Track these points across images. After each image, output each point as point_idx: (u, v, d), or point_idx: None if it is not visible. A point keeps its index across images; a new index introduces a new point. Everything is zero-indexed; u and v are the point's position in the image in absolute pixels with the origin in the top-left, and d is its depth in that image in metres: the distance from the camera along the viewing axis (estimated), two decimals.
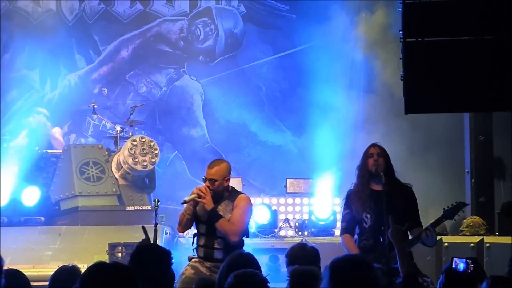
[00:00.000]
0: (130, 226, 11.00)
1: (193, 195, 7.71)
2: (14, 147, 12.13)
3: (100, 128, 15.22)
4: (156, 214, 9.15)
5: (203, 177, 7.81)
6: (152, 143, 11.69)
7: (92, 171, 11.88)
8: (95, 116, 13.60)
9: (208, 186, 7.69)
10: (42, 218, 11.29)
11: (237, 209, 7.71)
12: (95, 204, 11.69)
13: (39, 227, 11.07)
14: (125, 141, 11.92)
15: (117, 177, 11.92)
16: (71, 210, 11.62)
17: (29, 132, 12.54)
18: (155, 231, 9.00)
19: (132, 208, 11.64)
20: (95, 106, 12.79)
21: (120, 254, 9.67)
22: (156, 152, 11.70)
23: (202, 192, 7.65)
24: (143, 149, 11.61)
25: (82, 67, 15.87)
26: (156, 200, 9.21)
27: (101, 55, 15.92)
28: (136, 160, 11.55)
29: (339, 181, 12.16)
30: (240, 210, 7.71)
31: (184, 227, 7.93)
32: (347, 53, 14.67)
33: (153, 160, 11.67)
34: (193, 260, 7.81)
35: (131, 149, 11.55)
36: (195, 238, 7.92)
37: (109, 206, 11.76)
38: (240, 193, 7.97)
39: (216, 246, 7.70)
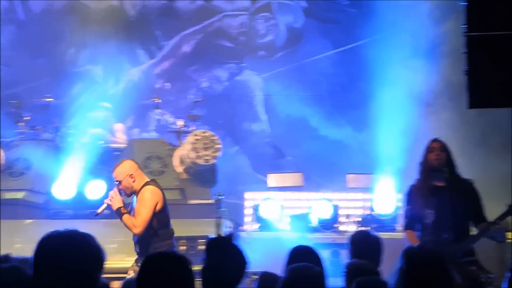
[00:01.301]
0: (192, 219, 11.11)
1: (103, 206, 8.10)
2: (79, 141, 12.34)
3: (162, 123, 15.39)
4: (219, 208, 9.22)
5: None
6: (214, 138, 11.77)
7: (155, 165, 12.01)
8: (157, 110, 13.75)
9: (117, 188, 7.99)
10: (108, 211, 11.43)
11: (137, 202, 7.97)
12: None
13: (104, 220, 11.21)
14: (187, 136, 12.03)
15: (179, 171, 12.03)
16: None
17: (93, 127, 12.73)
18: (218, 225, 9.09)
19: (194, 202, 11.74)
20: (158, 101, 12.92)
21: (183, 248, 9.76)
22: (218, 146, 11.77)
23: (111, 197, 7.96)
24: (205, 143, 11.69)
25: (144, 62, 16.07)
26: (219, 194, 9.29)
27: (163, 50, 16.09)
28: (199, 154, 11.64)
29: (401, 176, 12.11)
30: (139, 203, 7.94)
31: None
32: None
33: (215, 154, 11.75)
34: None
35: (193, 143, 11.64)
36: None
37: (171, 200, 11.78)
38: (144, 185, 8.07)
39: (134, 241, 8.05)
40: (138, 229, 7.84)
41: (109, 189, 11.41)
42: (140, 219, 7.85)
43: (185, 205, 11.76)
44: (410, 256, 4.21)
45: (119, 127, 13.33)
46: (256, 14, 16.02)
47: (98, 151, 12.05)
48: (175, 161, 12.10)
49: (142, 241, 7.88)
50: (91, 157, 11.93)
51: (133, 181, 7.94)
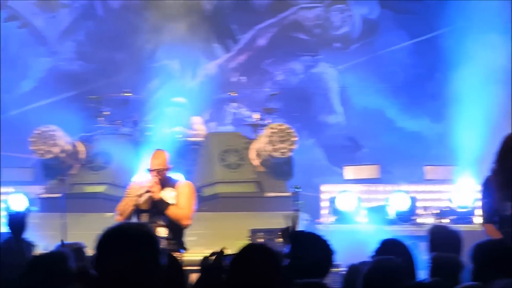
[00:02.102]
0: (269, 212, 11.17)
1: (147, 194, 7.83)
2: (157, 135, 12.50)
3: (238, 116, 15.47)
4: (296, 201, 9.24)
5: (148, 168, 7.92)
6: (290, 131, 11.79)
7: (232, 159, 12.11)
8: (234, 104, 13.84)
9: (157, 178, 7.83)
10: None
11: (181, 195, 7.86)
12: (235, 190, 11.92)
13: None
14: (263, 129, 12.07)
15: (256, 164, 12.10)
16: (212, 197, 11.88)
17: (171, 121, 12.89)
18: (295, 217, 9.09)
19: (270, 194, 11.80)
20: (234, 94, 12.99)
21: (260, 240, 9.81)
22: (294, 139, 11.79)
23: (152, 185, 7.79)
24: (281, 136, 11.72)
25: (221, 56, 16.19)
26: (296, 186, 9.30)
27: (238, 44, 16.18)
28: (275, 147, 11.68)
29: (480, 168, 11.94)
30: (184, 196, 7.87)
31: (126, 217, 7.94)
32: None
33: (291, 147, 11.76)
34: None
35: (269, 136, 11.68)
36: None
37: (248, 193, 11.95)
38: (178, 179, 8.11)
39: (160, 235, 7.75)
40: (189, 221, 7.85)
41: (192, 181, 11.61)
42: (189, 211, 7.87)
43: (262, 198, 11.83)
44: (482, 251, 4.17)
45: (196, 120, 13.45)
46: (331, 6, 15.98)
47: (176, 144, 12.17)
48: (252, 154, 12.16)
49: (177, 232, 7.85)
50: (169, 151, 12.06)
51: (168, 173, 7.97)
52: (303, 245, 4.86)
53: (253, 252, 3.97)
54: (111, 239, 3.40)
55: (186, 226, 7.86)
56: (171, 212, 7.81)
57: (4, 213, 12.91)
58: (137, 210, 7.93)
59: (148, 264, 3.35)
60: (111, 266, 3.33)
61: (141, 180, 8.05)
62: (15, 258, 4.85)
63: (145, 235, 3.41)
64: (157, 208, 7.85)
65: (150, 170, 7.88)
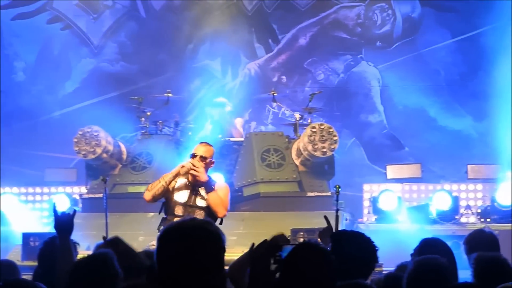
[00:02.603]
0: (310, 212, 11.17)
1: (188, 164, 7.87)
2: (198, 136, 12.56)
3: (279, 116, 15.50)
4: (337, 200, 9.22)
5: (193, 153, 7.97)
6: (331, 130, 11.75)
7: (273, 158, 12.11)
8: (274, 104, 13.85)
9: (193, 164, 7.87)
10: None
11: (221, 190, 7.98)
12: (276, 190, 11.92)
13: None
14: (304, 128, 12.06)
15: (297, 163, 12.09)
16: (253, 196, 11.90)
17: (212, 121, 12.94)
18: (337, 217, 9.09)
19: (312, 194, 11.79)
20: (275, 94, 13.00)
21: (302, 240, 9.81)
22: (335, 138, 11.74)
23: (197, 167, 7.82)
24: (322, 135, 11.68)
25: (262, 55, 16.22)
26: (337, 186, 9.28)
27: (279, 43, 16.20)
28: (316, 146, 11.65)
29: None
30: (224, 190, 8.03)
31: (154, 195, 7.98)
32: None
33: (332, 146, 11.72)
34: None
35: (310, 136, 11.65)
36: (164, 222, 7.97)
37: (289, 192, 11.95)
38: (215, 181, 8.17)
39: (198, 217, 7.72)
40: (225, 212, 7.94)
41: (228, 181, 11.65)
42: (227, 203, 8.00)
43: (303, 198, 11.81)
44: None
45: (238, 121, 13.47)
46: (372, 5, 15.93)
47: (217, 144, 12.20)
48: (293, 154, 12.16)
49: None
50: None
51: (210, 167, 8.06)
52: (347, 245, 4.86)
53: (308, 251, 3.97)
54: (174, 235, 3.40)
55: (222, 217, 7.87)
56: (213, 196, 7.88)
57: (49, 213, 13.11)
58: (173, 203, 7.95)
59: (211, 262, 3.36)
60: (173, 262, 3.34)
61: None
62: (63, 259, 4.90)
63: (210, 232, 3.41)
64: (199, 187, 7.90)
65: (194, 155, 7.94)
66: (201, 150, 7.98)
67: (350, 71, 15.88)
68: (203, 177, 7.86)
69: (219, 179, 11.22)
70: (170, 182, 7.93)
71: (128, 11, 16.64)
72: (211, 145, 8.19)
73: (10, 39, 16.66)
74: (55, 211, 5.20)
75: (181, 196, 7.94)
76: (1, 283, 4.41)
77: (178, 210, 7.90)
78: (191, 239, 3.36)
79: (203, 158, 7.92)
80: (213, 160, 8.10)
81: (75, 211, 5.27)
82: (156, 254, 3.40)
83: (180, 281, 3.32)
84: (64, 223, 5.14)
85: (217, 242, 3.39)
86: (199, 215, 7.78)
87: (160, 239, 3.42)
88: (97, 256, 4.55)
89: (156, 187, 7.95)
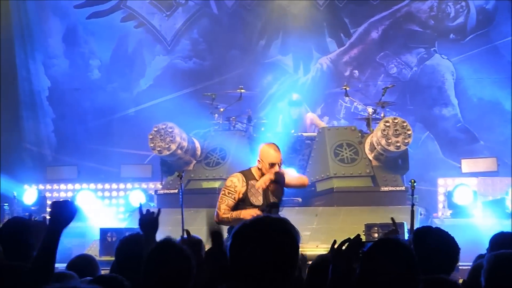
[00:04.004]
0: (384, 206, 11.12)
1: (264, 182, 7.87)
2: (271, 131, 12.61)
3: (352, 110, 15.46)
4: (412, 195, 9.17)
5: (272, 162, 7.89)
6: (404, 124, 11.65)
7: (346, 153, 12.08)
8: (347, 98, 13.81)
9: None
10: (300, 199, 11.63)
11: (288, 173, 8.35)
12: (350, 185, 11.88)
13: (297, 207, 11.42)
14: (377, 123, 11.99)
15: (370, 158, 12.02)
16: (327, 191, 11.88)
17: (285, 116, 12.97)
18: (412, 212, 9.05)
19: (386, 189, 11.71)
20: (347, 89, 12.96)
21: (376, 235, 9.78)
22: (409, 132, 11.64)
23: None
24: (396, 130, 11.59)
25: (333, 50, 16.19)
26: (412, 180, 9.22)
27: (351, 37, 16.15)
28: (389, 141, 11.56)
29: None
30: (290, 172, 8.55)
31: (223, 224, 7.92)
32: None
33: (406, 141, 11.62)
34: None
35: (384, 130, 11.57)
36: (239, 206, 7.96)
37: (363, 187, 11.89)
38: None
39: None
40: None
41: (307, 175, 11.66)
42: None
43: (377, 192, 11.75)
44: None
45: (311, 115, 13.47)
46: None
47: (290, 140, 12.24)
48: (366, 148, 12.10)
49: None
50: (283, 146, 12.13)
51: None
52: (430, 241, 4.84)
53: (389, 246, 3.96)
54: (249, 231, 3.41)
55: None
56: (291, 179, 8.21)
57: (126, 208, 13.34)
58: (249, 206, 7.94)
59: (285, 259, 3.36)
60: (246, 258, 3.34)
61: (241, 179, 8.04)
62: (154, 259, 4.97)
63: (285, 229, 3.41)
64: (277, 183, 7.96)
65: (273, 164, 7.91)
66: (279, 158, 7.97)
67: (423, 64, 15.74)
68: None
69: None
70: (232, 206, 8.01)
71: (200, 8, 16.78)
72: (276, 145, 8.16)
73: (86, 38, 16.97)
74: (140, 210, 5.29)
75: (257, 200, 7.94)
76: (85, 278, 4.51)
77: None
78: (266, 235, 3.36)
79: (279, 165, 7.97)
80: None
81: (159, 211, 5.35)
82: (230, 250, 3.42)
83: (252, 278, 3.33)
84: (149, 222, 5.23)
85: (292, 240, 3.39)
86: (275, 211, 7.80)
87: (235, 235, 3.43)
88: (172, 246, 4.59)
89: (228, 219, 7.92)
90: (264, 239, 3.35)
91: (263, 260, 3.32)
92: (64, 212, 4.11)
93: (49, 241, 4.08)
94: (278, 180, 7.95)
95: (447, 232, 4.95)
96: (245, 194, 7.95)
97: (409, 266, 3.80)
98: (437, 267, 4.66)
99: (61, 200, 4.19)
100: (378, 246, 3.91)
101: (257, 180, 7.95)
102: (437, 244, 4.84)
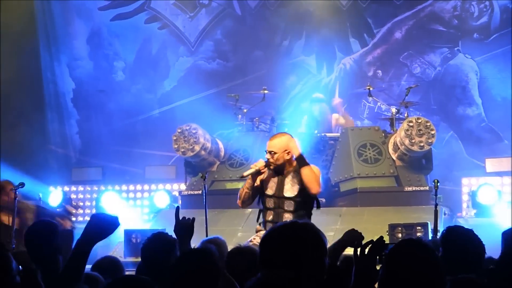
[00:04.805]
0: (408, 206, 11.11)
1: (252, 169, 7.57)
2: (294, 131, 12.62)
3: (375, 110, 15.44)
4: (435, 195, 9.16)
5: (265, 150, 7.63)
6: (428, 124, 11.64)
7: (370, 153, 12.08)
8: (370, 98, 13.81)
9: (268, 159, 7.52)
10: (323, 200, 11.62)
11: (311, 171, 7.48)
12: (373, 185, 11.87)
13: (322, 208, 11.39)
14: (401, 123, 11.99)
15: (394, 158, 12.02)
16: (350, 192, 11.89)
17: (309, 117, 12.98)
18: (436, 211, 9.05)
19: (409, 189, 11.70)
20: (371, 89, 12.96)
21: (400, 235, 9.78)
22: (433, 132, 11.63)
23: (266, 163, 7.52)
24: (420, 130, 11.59)
25: (357, 50, 16.18)
26: (436, 181, 9.22)
27: (375, 37, 16.13)
28: (413, 141, 11.56)
29: None
30: (316, 169, 7.57)
31: (243, 202, 7.74)
32: None
33: (429, 140, 11.62)
34: (260, 231, 7.66)
35: (407, 130, 11.57)
36: (261, 214, 7.73)
37: (387, 187, 11.88)
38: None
39: (287, 208, 7.52)
40: (319, 188, 7.47)
41: (324, 177, 11.67)
42: (320, 180, 7.55)
43: (401, 192, 11.74)
44: None
45: (336, 116, 13.48)
46: None
47: (314, 140, 12.25)
48: (390, 148, 12.10)
49: (298, 210, 7.56)
50: (307, 147, 12.15)
51: (288, 158, 7.57)
52: (455, 241, 4.85)
53: (412, 247, 3.97)
54: (276, 239, 3.48)
55: (315, 193, 7.50)
56: (306, 171, 7.48)
57: (150, 209, 13.40)
58: (261, 195, 7.74)
59: (313, 265, 3.43)
60: (275, 264, 3.41)
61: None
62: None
63: (311, 234, 3.48)
64: (285, 173, 7.60)
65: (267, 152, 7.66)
66: (269, 145, 7.62)
67: (447, 64, 15.69)
68: (280, 160, 7.55)
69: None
70: (251, 186, 7.68)
71: (224, 9, 16.83)
72: (284, 135, 7.79)
73: (110, 39, 17.08)
74: (177, 216, 5.35)
75: (269, 189, 7.67)
76: (110, 279, 4.53)
77: (269, 203, 7.66)
78: (293, 242, 3.43)
79: (271, 154, 7.54)
80: (288, 151, 7.56)
81: (194, 218, 5.40)
82: (260, 256, 3.49)
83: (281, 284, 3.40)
84: (185, 228, 5.29)
85: (319, 244, 3.45)
86: (289, 205, 7.53)
87: (264, 240, 3.50)
88: (201, 250, 4.64)
89: (242, 194, 7.74)
90: (290, 244, 3.42)
91: (291, 264, 3.40)
92: (103, 226, 3.99)
93: (80, 251, 4.00)
94: (277, 170, 7.62)
95: (473, 232, 4.96)
96: (263, 181, 7.71)
97: (432, 267, 3.80)
98: (464, 267, 4.67)
99: (103, 213, 4.06)
100: (401, 247, 3.92)
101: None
102: (464, 244, 4.86)
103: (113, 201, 13.00)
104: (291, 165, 7.61)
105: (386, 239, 9.35)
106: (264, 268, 3.46)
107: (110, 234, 4.01)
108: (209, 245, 4.77)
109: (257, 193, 7.72)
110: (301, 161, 7.53)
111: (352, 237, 5.57)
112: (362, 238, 5.78)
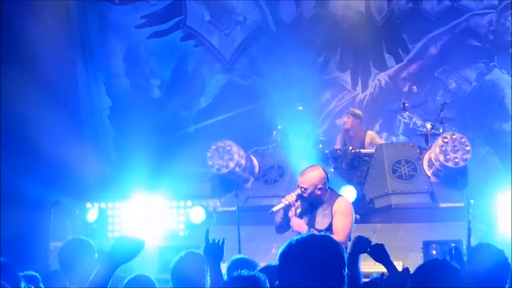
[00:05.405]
0: (443, 223, 11.05)
1: (281, 204, 7.62)
2: (330, 148, 12.64)
3: (410, 126, 15.39)
4: (469, 212, 9.12)
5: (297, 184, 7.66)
6: (463, 140, 11.61)
7: (404, 169, 12.05)
8: (405, 114, 13.77)
9: (299, 194, 7.58)
10: (358, 216, 11.60)
11: (338, 216, 7.50)
12: (408, 201, 11.84)
13: (355, 224, 11.38)
14: (436, 138, 11.96)
15: (429, 174, 11.98)
16: (385, 208, 11.86)
17: (343, 133, 12.99)
18: (469, 229, 9.00)
19: (444, 205, 11.64)
20: (406, 104, 12.94)
21: (434, 252, 9.73)
22: (468, 148, 11.59)
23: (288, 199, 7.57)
24: (454, 145, 11.55)
25: (392, 66, 16.15)
26: (470, 197, 9.18)
27: (409, 53, 16.10)
28: (448, 157, 11.53)
29: None
30: (341, 217, 7.51)
31: (278, 230, 7.86)
32: None
33: (464, 156, 11.58)
34: None
35: (442, 146, 11.54)
36: None
37: (422, 203, 11.85)
38: (338, 195, 7.76)
39: None
40: (342, 239, 7.33)
41: (359, 193, 11.66)
42: (345, 235, 7.47)
43: (436, 209, 11.69)
44: None
45: (371, 133, 13.46)
46: (505, 11, 15.61)
47: (348, 156, 12.26)
48: (424, 165, 12.06)
49: None
50: (341, 163, 12.17)
51: (319, 194, 7.63)
52: (480, 258, 4.86)
53: (436, 267, 3.99)
54: (294, 251, 3.47)
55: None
56: (336, 218, 7.55)
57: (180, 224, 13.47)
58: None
59: (333, 277, 3.42)
60: (294, 278, 3.41)
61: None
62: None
63: (330, 247, 3.49)
64: (314, 208, 7.67)
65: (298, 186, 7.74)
66: (300, 181, 7.72)
67: (482, 79, 15.61)
68: (312, 196, 7.60)
69: (347, 192, 11.27)
70: (282, 216, 7.78)
71: (259, 26, 16.89)
72: (315, 170, 7.77)
73: (147, 57, 17.22)
74: (207, 238, 5.41)
75: (302, 219, 7.75)
76: None
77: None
78: (311, 254, 3.44)
79: (303, 190, 7.64)
80: (320, 186, 7.62)
81: (224, 240, 5.45)
82: (278, 272, 3.49)
83: None
84: (215, 250, 5.35)
85: (337, 256, 3.47)
86: None
87: (282, 255, 3.50)
88: (250, 278, 4.63)
89: (277, 223, 7.89)
90: (308, 256, 3.43)
91: (310, 277, 3.39)
92: (126, 249, 4.00)
93: (102, 275, 4.00)
94: (312, 203, 7.68)
95: (497, 248, 4.95)
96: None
97: (457, 284, 3.83)
98: (490, 284, 4.66)
99: (127, 236, 4.08)
100: (427, 267, 3.97)
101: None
102: (489, 261, 4.85)
103: (147, 216, 13.13)
104: (323, 198, 7.68)
105: (421, 256, 9.33)
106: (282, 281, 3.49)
107: (134, 257, 4.03)
108: (259, 275, 4.71)
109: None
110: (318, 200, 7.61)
111: (360, 245, 5.61)
112: (369, 242, 5.82)
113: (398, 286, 4.92)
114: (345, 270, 3.45)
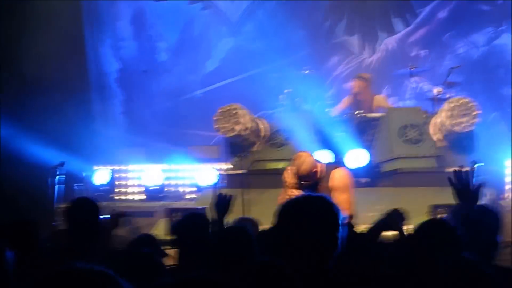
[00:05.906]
0: (449, 187, 11.00)
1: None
2: (337, 112, 12.63)
3: (418, 91, 15.34)
4: (478, 176, 9.09)
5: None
6: (470, 104, 11.54)
7: (411, 134, 12.03)
8: (413, 79, 13.72)
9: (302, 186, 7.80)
10: (365, 180, 11.61)
11: (335, 192, 7.65)
12: (414, 166, 11.83)
13: (360, 188, 11.39)
14: (443, 103, 11.91)
15: (435, 139, 11.96)
16: (391, 172, 11.86)
17: (349, 97, 12.96)
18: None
19: (451, 170, 11.59)
20: (413, 69, 12.89)
21: (441, 215, 9.72)
22: (475, 113, 11.53)
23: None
24: (461, 110, 11.49)
25: (399, 30, 16.08)
26: (474, 162, 9.16)
27: (417, 17, 16.01)
28: (455, 122, 11.48)
29: None
30: (338, 193, 7.68)
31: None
32: None
33: (472, 121, 11.51)
34: None
35: (449, 110, 11.49)
36: None
37: (428, 168, 11.84)
38: (332, 168, 7.97)
39: None
40: (348, 212, 7.55)
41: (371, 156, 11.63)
42: (346, 204, 7.66)
43: (442, 173, 11.67)
44: None
45: (378, 98, 13.42)
46: None
47: (356, 121, 12.23)
48: (432, 129, 12.03)
49: None
50: (349, 127, 12.14)
51: (317, 175, 7.85)
52: (472, 218, 4.88)
53: (434, 227, 4.02)
54: (290, 210, 3.53)
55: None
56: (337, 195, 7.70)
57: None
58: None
59: (326, 236, 3.45)
60: (290, 237, 3.46)
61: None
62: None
63: (325, 207, 3.52)
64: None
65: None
66: (297, 174, 7.97)
67: (491, 44, 15.53)
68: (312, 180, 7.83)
69: (356, 156, 11.27)
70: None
71: None
72: (301, 158, 8.00)
73: (153, 20, 17.16)
74: (219, 194, 5.69)
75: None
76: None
77: None
78: (307, 213, 3.48)
79: (304, 181, 7.92)
80: (314, 170, 7.88)
81: (231, 196, 5.71)
82: (274, 228, 3.60)
83: (294, 256, 3.43)
84: (223, 205, 5.59)
85: (332, 217, 3.48)
86: None
87: (278, 215, 3.54)
88: (236, 228, 4.84)
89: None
90: (304, 216, 3.48)
91: (304, 236, 3.44)
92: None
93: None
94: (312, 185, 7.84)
95: (494, 213, 4.97)
96: None
97: (452, 247, 3.87)
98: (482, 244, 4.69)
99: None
100: (423, 227, 4.02)
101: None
102: (479, 221, 4.87)
103: (156, 180, 13.18)
104: (321, 175, 7.87)
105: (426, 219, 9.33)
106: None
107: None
108: (245, 223, 4.97)
109: None
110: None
111: (392, 220, 5.64)
112: (403, 219, 5.84)
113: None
114: (338, 231, 3.47)
